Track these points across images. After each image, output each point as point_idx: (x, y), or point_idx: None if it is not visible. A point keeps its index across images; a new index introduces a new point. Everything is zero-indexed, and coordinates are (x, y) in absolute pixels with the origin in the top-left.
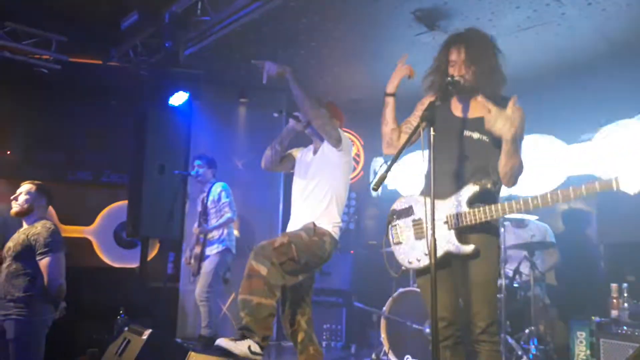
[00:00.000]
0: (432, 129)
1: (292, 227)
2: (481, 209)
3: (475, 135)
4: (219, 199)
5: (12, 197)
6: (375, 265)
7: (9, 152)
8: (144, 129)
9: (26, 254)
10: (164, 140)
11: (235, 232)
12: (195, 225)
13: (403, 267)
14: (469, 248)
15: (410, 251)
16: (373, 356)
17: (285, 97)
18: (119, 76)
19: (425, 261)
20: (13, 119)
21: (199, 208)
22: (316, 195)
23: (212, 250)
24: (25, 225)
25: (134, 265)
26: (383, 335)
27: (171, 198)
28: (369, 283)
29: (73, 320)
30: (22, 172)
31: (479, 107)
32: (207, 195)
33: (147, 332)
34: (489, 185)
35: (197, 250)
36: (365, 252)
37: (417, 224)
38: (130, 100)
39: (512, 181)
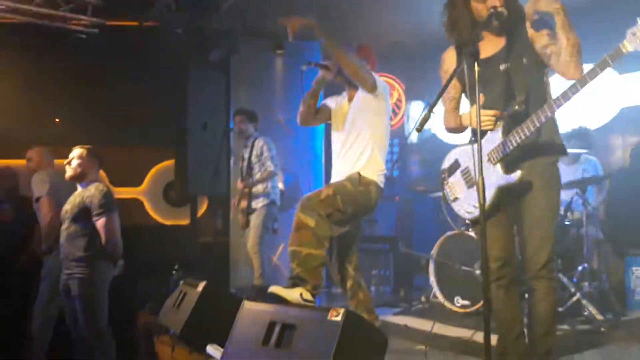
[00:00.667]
0: (476, 64)
1: (336, 178)
2: (513, 130)
3: (503, 66)
4: (261, 152)
5: (65, 162)
6: (420, 210)
7: (57, 120)
8: (184, 88)
9: (83, 215)
10: (205, 98)
11: (280, 185)
12: (239, 180)
13: (467, 221)
14: (515, 175)
15: (466, 202)
16: (423, 299)
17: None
18: (157, 37)
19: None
20: (57, 87)
21: (243, 163)
22: (358, 145)
23: (257, 204)
24: (79, 189)
25: (185, 222)
26: (432, 278)
27: (216, 155)
28: (414, 228)
29: (130, 277)
30: (70, 138)
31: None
32: (251, 150)
33: (202, 284)
34: (516, 107)
35: (243, 204)
36: (410, 198)
37: (465, 173)
38: (169, 60)
39: (579, 64)
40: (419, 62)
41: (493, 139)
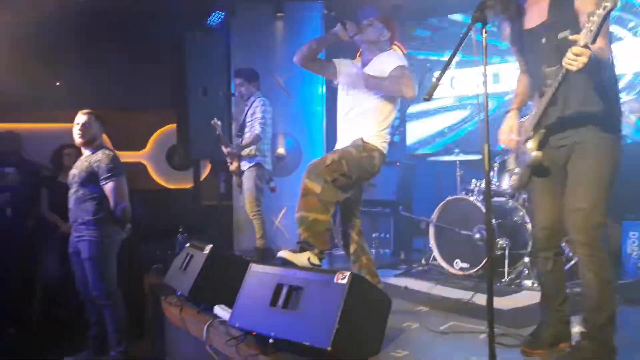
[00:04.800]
0: (484, 29)
1: (341, 142)
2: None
3: (544, 39)
4: (254, 112)
5: (74, 127)
6: (420, 175)
7: (57, 84)
8: (183, 52)
9: (91, 179)
10: (204, 62)
11: (281, 150)
12: (222, 147)
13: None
14: (536, 154)
15: (517, 172)
16: (423, 261)
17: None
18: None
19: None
20: (56, 51)
21: (240, 122)
22: (366, 111)
23: (244, 166)
24: (86, 153)
25: (188, 185)
26: (432, 241)
27: (217, 119)
28: (415, 193)
29: (136, 240)
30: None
31: (540, 9)
32: (248, 109)
33: (209, 247)
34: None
35: (234, 166)
36: (411, 164)
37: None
38: (169, 24)
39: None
40: (420, 25)
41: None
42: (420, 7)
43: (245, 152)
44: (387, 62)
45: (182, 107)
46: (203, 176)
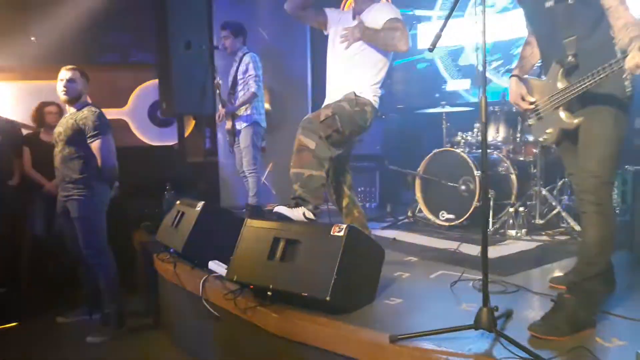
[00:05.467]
0: None
1: (332, 95)
2: (574, 81)
3: (549, 3)
4: (246, 70)
5: (58, 84)
6: (406, 129)
7: (33, 39)
8: (165, 4)
9: (77, 137)
10: (186, 15)
11: (267, 105)
12: (220, 105)
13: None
14: (573, 122)
15: (537, 130)
16: (409, 213)
17: None
18: None
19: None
20: (33, 5)
21: (230, 78)
22: (359, 64)
23: (241, 125)
24: (71, 110)
25: (172, 142)
26: (418, 194)
27: (201, 74)
28: (400, 146)
29: (122, 198)
30: (48, 57)
31: None
32: (238, 66)
33: (201, 203)
34: (569, 59)
35: (229, 125)
36: (396, 117)
37: (535, 105)
38: None
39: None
40: None
41: (553, 83)
42: None
43: (240, 110)
44: (381, 13)
45: (164, 61)
46: (187, 132)
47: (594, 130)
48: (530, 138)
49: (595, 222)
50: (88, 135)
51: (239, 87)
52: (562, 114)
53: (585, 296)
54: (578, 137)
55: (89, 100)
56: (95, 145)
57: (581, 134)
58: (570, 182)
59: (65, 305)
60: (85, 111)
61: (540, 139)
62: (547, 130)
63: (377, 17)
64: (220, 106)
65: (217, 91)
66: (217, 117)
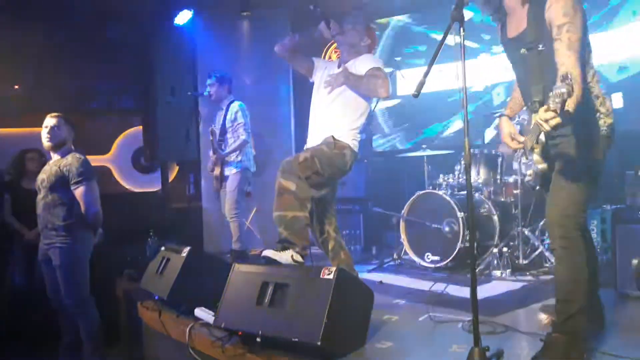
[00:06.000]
0: (462, 29)
1: (313, 139)
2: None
3: (523, 50)
4: (235, 118)
5: (43, 131)
6: (388, 171)
7: (16, 87)
8: (151, 51)
9: (61, 184)
10: (172, 62)
11: (252, 151)
12: (211, 152)
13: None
14: (541, 166)
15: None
16: (394, 255)
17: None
18: None
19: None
20: (16, 52)
21: (218, 127)
22: (340, 109)
23: (230, 171)
24: (55, 157)
25: (155, 188)
26: (403, 236)
27: (185, 120)
28: (383, 189)
29: (105, 245)
30: (32, 105)
31: (519, 20)
32: (225, 114)
33: (186, 249)
34: (535, 100)
35: (217, 171)
36: (378, 160)
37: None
38: (135, 23)
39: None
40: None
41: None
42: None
43: (230, 157)
44: (365, 63)
45: (149, 108)
46: (170, 178)
47: (563, 170)
48: (511, 179)
49: (564, 257)
50: (72, 182)
51: (228, 135)
52: (535, 157)
53: (571, 335)
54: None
55: (73, 147)
56: (79, 191)
57: (553, 174)
58: None
59: (44, 356)
60: (70, 158)
61: (526, 179)
62: (528, 172)
63: (360, 66)
64: (211, 152)
65: (211, 138)
66: (209, 165)
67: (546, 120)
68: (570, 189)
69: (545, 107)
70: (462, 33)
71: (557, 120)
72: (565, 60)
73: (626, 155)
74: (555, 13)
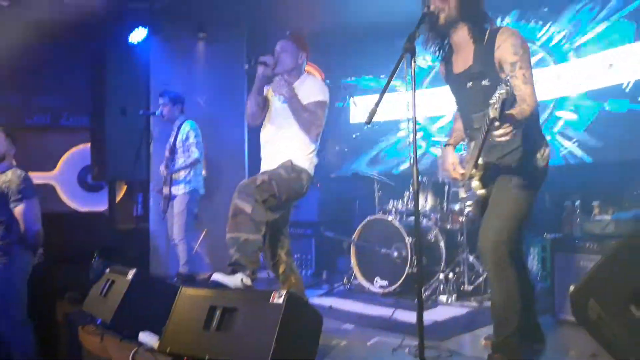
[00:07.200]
0: (413, 60)
1: (268, 163)
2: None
3: (469, 84)
4: (187, 138)
5: None
6: (340, 196)
7: None
8: (102, 68)
9: None
10: (124, 80)
11: (203, 172)
12: (162, 166)
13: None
14: (480, 192)
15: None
16: (344, 280)
17: (245, 28)
18: (75, 12)
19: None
20: None
21: (168, 146)
22: (295, 134)
23: (178, 190)
24: None
25: (101, 208)
26: (353, 260)
27: (135, 139)
28: (335, 214)
29: (46, 266)
30: None
31: (466, 55)
32: (177, 133)
33: (132, 271)
34: (475, 127)
35: (165, 190)
36: (331, 185)
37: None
38: (87, 38)
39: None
40: (339, 50)
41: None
42: (337, 32)
43: (179, 175)
44: (310, 90)
45: (98, 126)
46: (118, 198)
47: (498, 198)
48: (457, 207)
49: (497, 281)
50: (11, 199)
51: (178, 155)
52: (474, 183)
53: (510, 353)
54: None
55: (14, 163)
56: (18, 209)
57: (490, 200)
58: None
59: None
60: (9, 174)
61: (466, 210)
62: (468, 203)
63: (307, 92)
64: (163, 167)
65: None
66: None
67: (502, 136)
68: (505, 217)
69: (499, 131)
70: (413, 65)
71: (509, 128)
72: (523, 92)
73: (567, 187)
74: (506, 52)
